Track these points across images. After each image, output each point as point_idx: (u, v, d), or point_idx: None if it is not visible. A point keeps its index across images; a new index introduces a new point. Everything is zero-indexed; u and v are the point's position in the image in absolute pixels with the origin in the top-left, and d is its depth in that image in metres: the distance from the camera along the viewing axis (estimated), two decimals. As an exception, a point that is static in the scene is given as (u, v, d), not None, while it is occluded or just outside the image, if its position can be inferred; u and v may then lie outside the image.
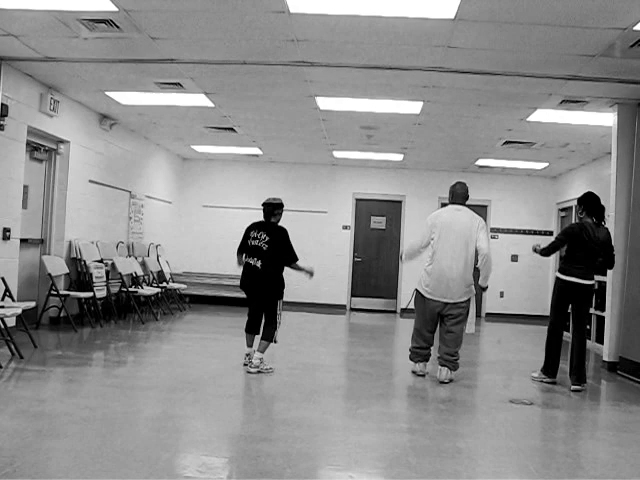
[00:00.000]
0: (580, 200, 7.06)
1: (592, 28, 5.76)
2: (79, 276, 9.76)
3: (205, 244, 14.77)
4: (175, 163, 14.60)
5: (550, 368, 7.03)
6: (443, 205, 8.27)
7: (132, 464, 3.82)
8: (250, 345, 7.14)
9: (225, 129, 11.15)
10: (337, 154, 13.23)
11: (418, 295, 7.07)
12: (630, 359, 7.57)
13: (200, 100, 9.11)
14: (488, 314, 14.62)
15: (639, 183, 7.85)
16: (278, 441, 4.49)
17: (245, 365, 7.03)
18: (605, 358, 8.24)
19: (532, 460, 4.39)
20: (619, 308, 8.05)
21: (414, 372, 7.15)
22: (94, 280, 9.63)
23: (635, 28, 5.64)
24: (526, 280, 14.59)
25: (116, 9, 5.82)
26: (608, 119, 8.57)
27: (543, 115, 8.94)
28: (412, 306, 7.19)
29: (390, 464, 4.18)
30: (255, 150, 13.33)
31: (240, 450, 4.37)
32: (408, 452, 4.42)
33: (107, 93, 9.07)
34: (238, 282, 7.27)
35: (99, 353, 8.01)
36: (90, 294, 9.46)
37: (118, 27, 6.29)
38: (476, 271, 6.93)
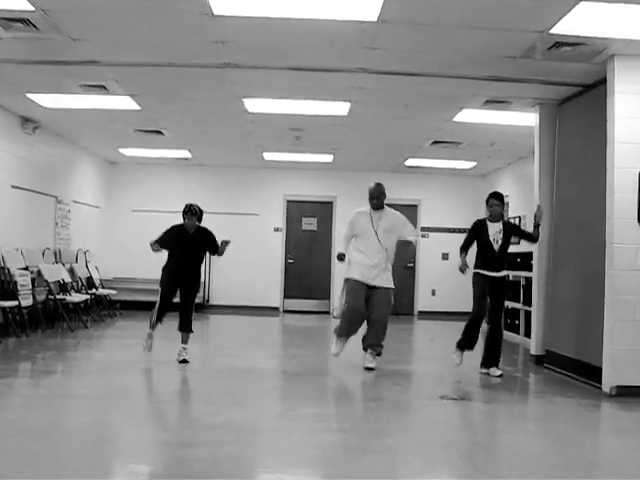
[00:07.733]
0: None
1: (511, 30, 5.90)
2: (2, 284, 9.41)
3: (135, 248, 14.31)
4: (103, 167, 14.30)
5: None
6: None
7: (58, 475, 3.72)
8: (185, 341, 7.58)
9: (153, 132, 10.98)
10: (267, 156, 13.18)
11: None
12: (555, 352, 7.77)
13: (126, 103, 8.93)
14: (420, 312, 14.81)
15: (561, 181, 8.08)
16: (207, 445, 4.43)
17: (182, 362, 7.38)
18: (532, 352, 8.42)
19: (460, 454, 4.46)
20: (544, 303, 8.26)
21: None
22: (19, 288, 9.32)
23: (551, 31, 5.80)
24: (457, 278, 14.70)
25: (32, 8, 5.63)
26: (531, 119, 8.76)
27: (469, 115, 9.09)
28: None
29: (320, 464, 4.19)
30: (184, 153, 13.16)
31: (168, 456, 4.29)
32: (338, 451, 4.43)
33: (28, 95, 8.79)
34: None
35: (25, 364, 7.78)
36: (15, 303, 9.14)
37: (36, 27, 6.09)
38: None
